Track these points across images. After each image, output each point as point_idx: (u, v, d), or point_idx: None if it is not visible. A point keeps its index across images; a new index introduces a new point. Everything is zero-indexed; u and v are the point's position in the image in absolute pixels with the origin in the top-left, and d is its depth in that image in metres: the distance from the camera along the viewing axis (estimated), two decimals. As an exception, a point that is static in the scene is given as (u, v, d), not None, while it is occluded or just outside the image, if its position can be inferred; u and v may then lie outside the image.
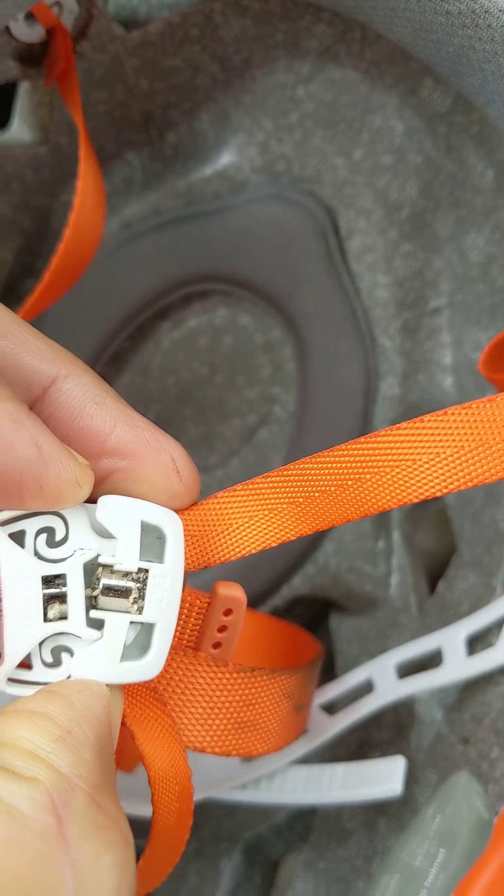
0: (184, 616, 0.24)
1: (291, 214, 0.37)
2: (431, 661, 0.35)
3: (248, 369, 0.41)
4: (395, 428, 0.22)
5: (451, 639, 0.34)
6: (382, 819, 0.34)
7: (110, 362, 0.41)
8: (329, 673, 0.41)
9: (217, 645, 0.24)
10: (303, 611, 0.43)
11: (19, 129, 0.36)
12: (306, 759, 0.35)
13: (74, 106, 0.32)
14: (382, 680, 0.35)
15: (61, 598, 0.21)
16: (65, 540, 0.21)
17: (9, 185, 0.37)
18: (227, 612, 0.24)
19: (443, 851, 0.30)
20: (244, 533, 0.23)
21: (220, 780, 0.34)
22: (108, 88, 0.36)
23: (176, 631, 0.23)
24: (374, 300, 0.38)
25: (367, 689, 0.36)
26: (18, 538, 0.21)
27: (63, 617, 0.21)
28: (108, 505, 0.21)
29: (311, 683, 0.31)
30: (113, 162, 0.38)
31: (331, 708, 0.36)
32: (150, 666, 0.21)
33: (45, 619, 0.21)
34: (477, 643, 0.34)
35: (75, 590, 0.21)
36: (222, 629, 0.24)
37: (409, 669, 0.35)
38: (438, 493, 0.22)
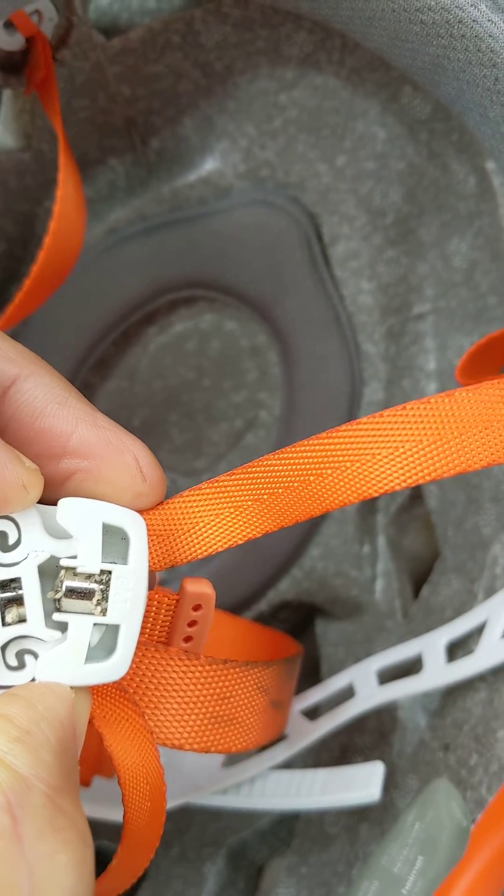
0: (153, 614, 0.24)
1: (275, 220, 0.37)
2: (412, 667, 0.35)
3: (235, 374, 0.41)
4: (356, 422, 0.22)
5: (432, 645, 0.34)
6: (364, 824, 0.34)
7: (96, 367, 0.41)
8: (314, 678, 0.41)
9: (188, 639, 0.24)
10: (288, 615, 0.44)
11: (2, 135, 0.36)
12: (288, 765, 0.35)
13: (54, 114, 0.32)
14: (363, 685, 0.35)
15: (18, 601, 0.21)
16: (17, 543, 0.21)
17: (-7, 190, 0.37)
18: (197, 608, 0.24)
19: (421, 858, 0.30)
20: (210, 531, 0.23)
21: (201, 785, 0.34)
22: (90, 95, 0.36)
23: (145, 628, 0.24)
24: (358, 306, 0.38)
25: (348, 694, 0.36)
26: None
27: (22, 620, 0.21)
28: (68, 507, 0.21)
29: (289, 681, 0.31)
30: (96, 168, 0.38)
31: (313, 713, 0.36)
32: (115, 667, 0.21)
33: (4, 624, 0.21)
34: (457, 649, 0.34)
35: (31, 592, 0.21)
36: (192, 624, 0.24)
37: (390, 675, 0.35)
38: (398, 487, 0.22)
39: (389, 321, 0.39)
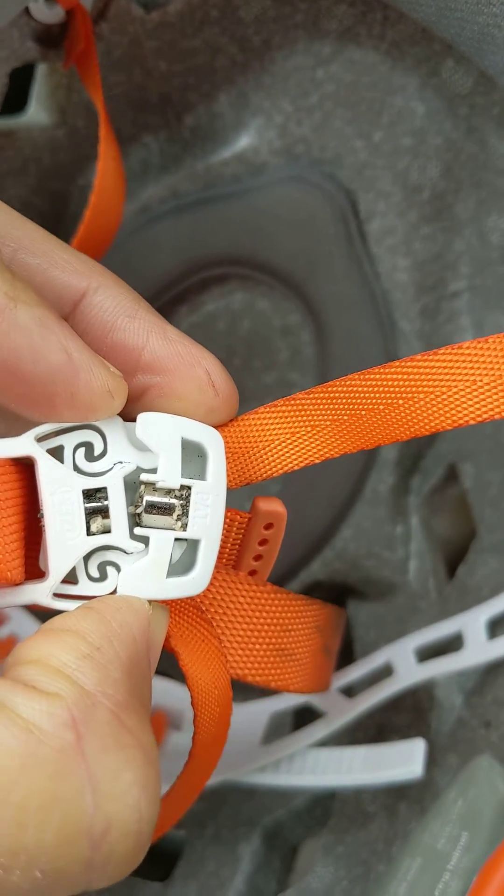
0: (224, 531, 0.23)
1: (311, 197, 0.37)
2: (452, 644, 0.35)
3: (266, 354, 0.41)
4: (457, 346, 0.21)
5: (472, 622, 0.34)
6: (403, 803, 0.34)
7: (128, 347, 0.40)
8: (347, 659, 0.41)
9: (258, 557, 0.24)
10: (320, 596, 0.43)
11: (36, 111, 0.36)
12: (325, 743, 0.35)
13: (94, 88, 0.32)
14: (402, 663, 0.35)
15: (103, 512, 0.21)
16: (104, 454, 0.21)
17: (26, 167, 0.37)
18: (268, 526, 0.24)
19: (466, 834, 0.30)
20: (285, 449, 0.23)
21: (240, 763, 0.34)
22: (126, 70, 0.36)
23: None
24: (393, 283, 0.38)
25: (386, 672, 0.35)
26: (57, 454, 0.21)
27: (106, 531, 0.21)
28: (148, 422, 0.21)
29: (339, 631, 0.31)
30: (130, 145, 0.38)
31: (349, 691, 0.36)
32: (196, 581, 0.21)
33: (88, 533, 0.21)
34: (498, 627, 0.34)
35: (117, 502, 0.21)
36: (263, 542, 0.24)
37: (428, 653, 0.35)
38: (498, 416, 0.21)
39: (424, 299, 0.38)
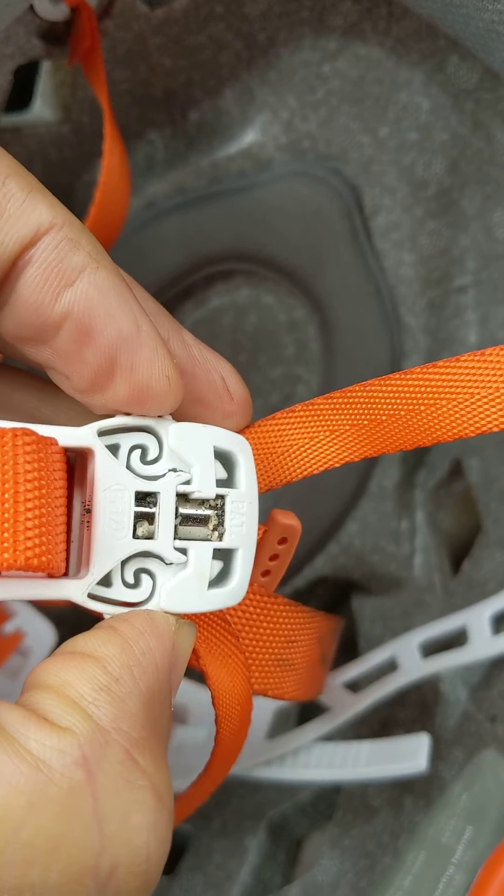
0: None
1: (316, 192, 0.37)
2: (456, 639, 0.35)
3: (272, 348, 0.41)
4: (479, 353, 0.22)
5: (477, 617, 0.34)
6: (408, 797, 0.34)
7: (133, 342, 0.40)
8: (351, 653, 0.41)
9: (266, 573, 0.24)
10: (325, 591, 0.43)
11: (42, 108, 0.36)
12: (330, 738, 0.35)
13: (99, 84, 0.32)
14: (407, 658, 0.35)
15: (149, 517, 0.20)
16: (158, 458, 0.21)
17: (31, 163, 0.37)
18: (282, 541, 0.24)
19: (470, 828, 0.30)
20: (305, 453, 0.23)
21: (246, 757, 0.34)
22: (131, 67, 0.36)
23: None
24: (399, 278, 0.38)
25: (391, 667, 0.36)
26: (113, 452, 0.20)
27: (150, 537, 0.20)
28: (179, 431, 0.21)
29: (335, 641, 0.31)
30: (135, 141, 0.38)
31: (354, 686, 0.36)
32: (235, 591, 0.21)
33: (134, 536, 0.20)
34: (503, 622, 0.34)
35: (167, 510, 0.20)
36: (274, 557, 0.24)
37: (433, 648, 0.35)
38: None
39: (430, 293, 0.38)
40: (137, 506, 0.20)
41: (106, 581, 0.20)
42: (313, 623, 0.26)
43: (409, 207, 0.37)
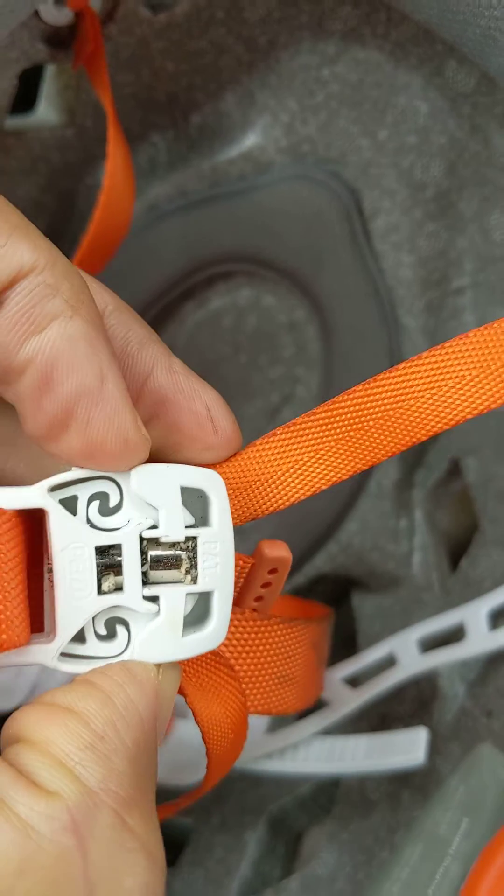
0: None
1: (316, 195, 0.38)
2: (454, 635, 0.36)
3: (272, 349, 0.41)
4: (462, 336, 0.21)
5: (474, 614, 0.35)
6: (406, 791, 0.35)
7: (135, 343, 0.41)
8: (351, 650, 0.42)
9: (259, 598, 0.23)
10: (325, 588, 0.44)
11: (45, 111, 0.37)
12: (329, 732, 0.36)
13: (103, 88, 0.33)
14: (405, 654, 0.35)
15: (115, 568, 0.20)
16: (119, 507, 0.20)
17: (35, 166, 0.38)
18: (272, 571, 0.23)
19: (466, 820, 0.31)
20: (290, 479, 0.22)
21: (246, 751, 0.35)
22: (134, 71, 0.36)
23: None
24: (397, 280, 0.39)
25: (389, 663, 0.36)
26: (70, 505, 0.20)
27: (118, 588, 0.20)
28: (143, 474, 0.20)
29: (328, 640, 0.31)
30: (137, 144, 0.38)
31: (353, 681, 0.37)
32: (213, 635, 0.20)
33: (100, 592, 0.19)
34: (500, 618, 0.35)
35: (131, 560, 0.20)
36: (266, 585, 0.23)
37: (431, 644, 0.36)
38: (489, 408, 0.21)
39: (429, 295, 0.39)
40: (101, 558, 0.19)
41: (80, 637, 0.20)
42: (307, 633, 0.26)
43: (408, 210, 0.38)
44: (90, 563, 0.19)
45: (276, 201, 0.38)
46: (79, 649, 0.20)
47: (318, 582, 0.43)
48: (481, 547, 0.39)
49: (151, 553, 0.20)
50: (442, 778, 0.33)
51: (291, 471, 0.22)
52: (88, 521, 0.20)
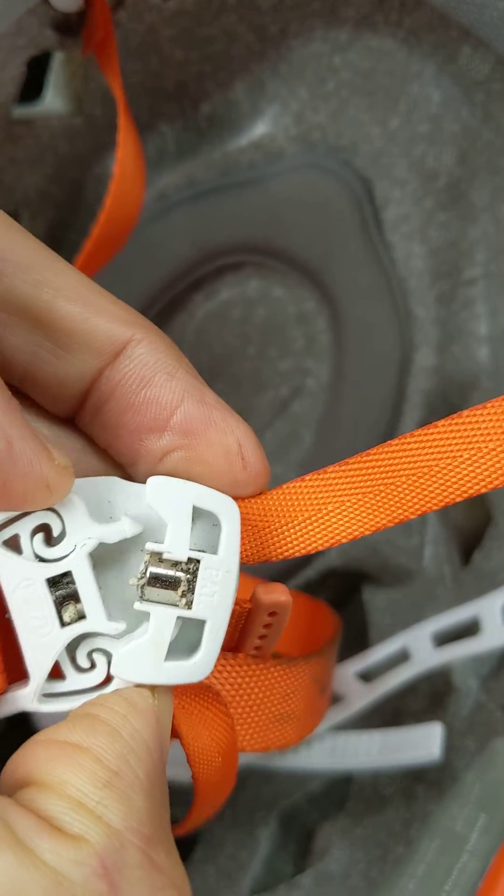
0: None
1: (326, 184, 0.37)
2: (468, 629, 0.35)
3: (281, 341, 0.41)
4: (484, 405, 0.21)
5: (489, 608, 0.34)
6: (420, 786, 0.34)
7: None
8: (362, 644, 0.41)
9: (261, 639, 0.23)
10: (335, 583, 0.44)
11: (53, 100, 0.36)
12: (342, 727, 0.35)
13: (113, 75, 0.32)
14: (419, 648, 0.35)
15: (75, 596, 0.19)
16: (63, 535, 0.19)
17: (42, 156, 0.37)
18: (272, 614, 0.22)
19: (484, 816, 0.30)
20: (312, 527, 0.21)
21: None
22: (143, 59, 0.36)
23: None
24: (409, 270, 0.38)
25: (403, 657, 0.36)
26: (13, 543, 0.19)
27: (82, 616, 0.19)
28: (158, 486, 0.20)
29: (332, 662, 0.30)
30: (146, 133, 0.38)
31: (367, 676, 0.36)
32: (198, 667, 0.20)
33: (63, 624, 0.19)
34: (515, 612, 0.34)
35: (86, 584, 0.19)
36: (267, 626, 0.22)
37: (445, 638, 0.35)
38: None
39: (440, 286, 0.39)
40: (57, 589, 0.19)
41: (58, 674, 0.19)
42: (307, 669, 0.25)
43: (420, 199, 0.37)
44: (45, 597, 0.19)
45: (286, 191, 0.38)
46: (59, 686, 0.19)
47: (330, 576, 0.43)
48: (495, 539, 0.38)
49: (151, 569, 0.19)
50: (457, 773, 0.33)
51: (313, 518, 0.21)
52: (36, 555, 0.19)
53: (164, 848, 0.17)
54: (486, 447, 0.20)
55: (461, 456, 0.21)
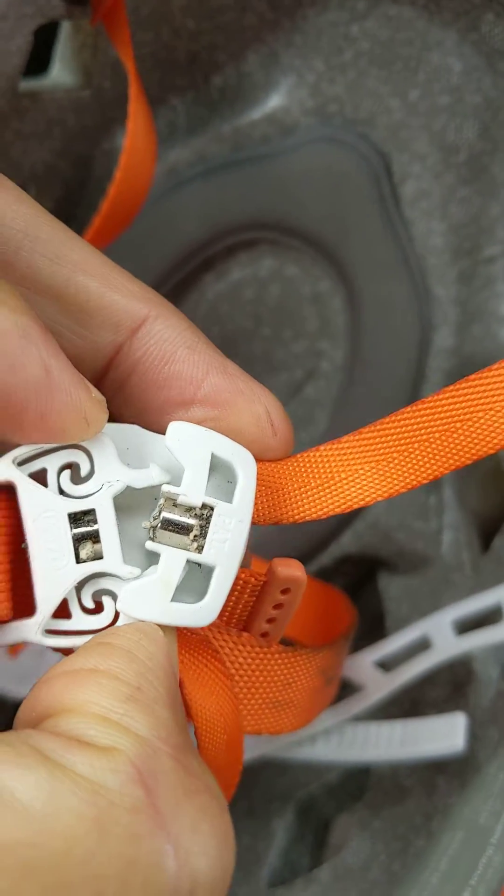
0: (235, 594, 0.22)
1: (343, 159, 0.36)
2: (490, 617, 0.34)
3: (295, 322, 0.40)
4: None
5: (512, 594, 0.33)
6: (441, 777, 0.34)
7: (154, 315, 0.40)
8: (379, 632, 0.40)
9: (272, 620, 0.22)
10: (350, 569, 0.43)
11: (60, 72, 0.35)
12: (360, 718, 0.34)
13: (123, 45, 0.31)
14: (440, 636, 0.34)
15: (93, 537, 0.19)
16: (91, 474, 0.19)
17: (50, 130, 0.36)
18: (285, 591, 0.22)
19: (509, 809, 0.29)
20: (346, 486, 0.22)
21: (276, 738, 0.34)
22: (154, 29, 0.35)
23: (225, 609, 0.22)
24: (428, 248, 0.37)
25: (423, 645, 0.35)
26: (40, 477, 0.19)
27: (98, 557, 0.19)
28: (178, 431, 0.20)
29: (344, 654, 0.30)
30: (156, 107, 0.37)
31: (386, 665, 0.35)
32: (204, 612, 0.20)
33: (78, 560, 0.19)
34: (539, 598, 0.33)
35: (107, 525, 0.19)
36: (278, 606, 0.22)
37: (467, 626, 0.35)
38: None
39: (460, 264, 0.37)
40: (76, 527, 0.19)
41: (65, 612, 0.19)
42: (314, 661, 0.25)
43: (440, 174, 0.36)
44: (64, 531, 0.19)
45: (301, 165, 0.37)
46: (64, 624, 0.19)
47: (345, 562, 0.42)
48: (516, 525, 0.37)
49: (164, 514, 0.20)
50: (480, 764, 0.32)
51: (327, 484, 0.22)
52: (60, 490, 0.19)
53: (195, 756, 0.17)
54: (500, 405, 0.21)
55: (476, 415, 0.21)
